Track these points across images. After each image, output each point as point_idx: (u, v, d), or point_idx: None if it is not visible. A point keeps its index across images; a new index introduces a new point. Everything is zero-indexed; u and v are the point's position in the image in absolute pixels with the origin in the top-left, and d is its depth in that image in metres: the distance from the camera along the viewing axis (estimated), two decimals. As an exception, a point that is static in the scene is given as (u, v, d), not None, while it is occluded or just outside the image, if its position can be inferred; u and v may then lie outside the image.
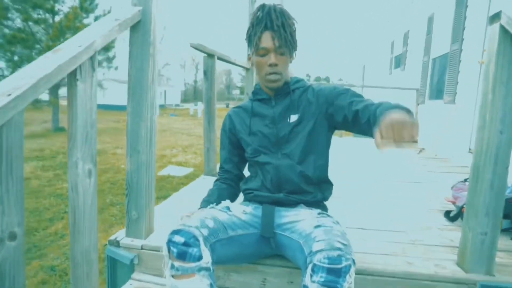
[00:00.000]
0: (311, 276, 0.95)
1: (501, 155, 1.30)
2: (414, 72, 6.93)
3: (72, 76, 1.14)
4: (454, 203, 2.12)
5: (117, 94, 26.54)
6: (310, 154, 1.34)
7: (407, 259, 1.46)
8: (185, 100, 52.63)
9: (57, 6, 12.64)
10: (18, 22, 12.33)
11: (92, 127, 1.23)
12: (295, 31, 1.30)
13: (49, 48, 11.81)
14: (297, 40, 1.32)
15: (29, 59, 12.38)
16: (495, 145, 1.30)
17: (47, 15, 12.73)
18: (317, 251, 0.98)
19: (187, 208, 1.92)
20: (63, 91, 14.82)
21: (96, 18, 13.48)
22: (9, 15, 12.25)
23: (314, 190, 1.35)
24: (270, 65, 1.27)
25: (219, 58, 2.95)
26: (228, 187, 1.48)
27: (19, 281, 0.95)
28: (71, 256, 1.23)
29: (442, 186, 2.79)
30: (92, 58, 1.19)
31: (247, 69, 4.11)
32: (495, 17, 1.28)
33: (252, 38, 1.28)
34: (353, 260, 0.97)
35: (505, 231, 1.79)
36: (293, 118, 1.34)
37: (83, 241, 1.22)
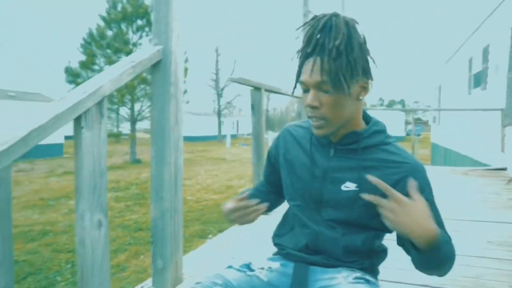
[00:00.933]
0: None
1: None
2: (498, 91, 6.17)
3: (77, 124, 1.09)
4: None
5: (191, 126, 28.05)
6: (361, 228, 1.02)
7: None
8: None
9: (135, 49, 13.88)
10: (102, 66, 13.77)
11: (102, 177, 1.16)
12: (360, 55, 0.88)
13: (126, 86, 12.98)
14: (369, 66, 0.92)
15: (110, 97, 13.73)
16: None
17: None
18: None
19: (226, 252, 1.76)
20: (143, 124, 16.00)
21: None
22: (96, 61, 13.76)
23: (361, 258, 1.08)
24: (309, 107, 0.92)
25: (267, 90, 2.85)
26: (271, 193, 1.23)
27: None
28: (78, 316, 1.14)
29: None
30: (99, 104, 1.14)
31: (298, 98, 3.96)
32: None
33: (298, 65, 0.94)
34: None
35: None
36: (349, 186, 0.98)
37: (90, 300, 1.13)
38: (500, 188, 3.90)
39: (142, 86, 13.18)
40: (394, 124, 27.95)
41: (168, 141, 1.43)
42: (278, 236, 1.19)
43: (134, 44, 13.99)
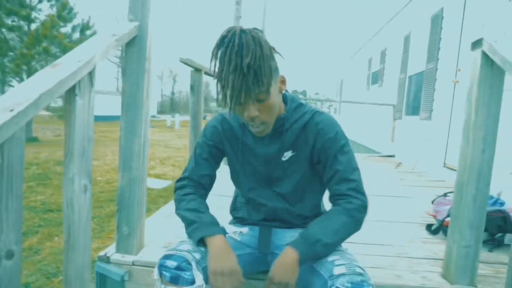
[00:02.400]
0: None
1: (484, 172, 1.38)
2: (391, 89, 7.16)
3: (71, 92, 1.14)
4: (435, 216, 2.19)
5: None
6: (306, 194, 1.26)
7: (395, 272, 1.51)
8: (161, 111, 52.10)
9: (33, 14, 12.36)
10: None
11: (89, 142, 1.22)
12: (270, 61, 1.01)
13: (23, 55, 11.50)
14: (275, 62, 1.06)
15: (1, 67, 12.01)
16: (477, 163, 1.38)
17: (22, 22, 12.41)
18: (339, 275, 1.00)
19: (176, 221, 1.90)
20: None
21: (74, 27, 13.26)
22: (-18, 21, 11.90)
23: (311, 220, 1.35)
24: (249, 118, 1.06)
25: (206, 73, 2.98)
26: (203, 200, 1.25)
27: (15, 301, 0.93)
28: (64, 274, 1.20)
29: (420, 200, 2.89)
30: (91, 73, 1.19)
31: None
32: (477, 44, 1.37)
33: (219, 82, 1.00)
34: (373, 285, 1.00)
35: (484, 243, 1.87)
36: (287, 155, 1.19)
37: (77, 259, 1.20)
38: (391, 171, 4.66)
39: (43, 56, 11.80)
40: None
41: (140, 113, 1.52)
42: (235, 210, 1.41)
43: (32, 8, 12.43)
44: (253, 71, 0.96)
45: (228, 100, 1.00)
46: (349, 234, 1.15)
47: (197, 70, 2.79)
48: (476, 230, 1.41)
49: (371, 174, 4.19)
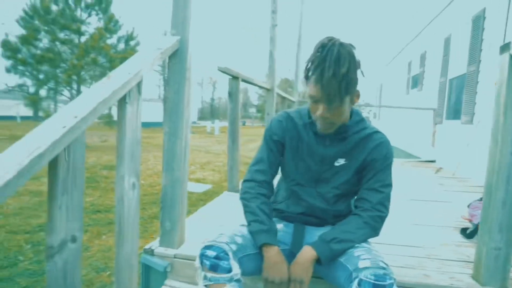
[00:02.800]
0: None
1: (513, 175, 1.39)
2: (431, 93, 6.98)
3: (122, 100, 1.29)
4: (470, 221, 2.18)
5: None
6: (344, 198, 1.39)
7: (424, 271, 1.54)
8: (201, 117, 53.37)
9: (83, 27, 13.21)
10: (46, 42, 12.92)
11: (137, 145, 1.38)
12: (350, 76, 1.13)
13: (74, 66, 12.33)
14: (357, 80, 1.18)
15: (54, 77, 12.90)
16: (506, 164, 1.39)
17: (73, 36, 13.31)
18: (363, 268, 1.09)
19: (214, 221, 2.03)
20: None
21: (119, 39, 14.01)
22: (39, 36, 12.89)
23: (344, 217, 1.43)
24: (320, 116, 1.20)
25: (243, 80, 3.12)
26: (271, 204, 1.39)
27: (77, 278, 1.08)
28: (116, 261, 1.36)
29: (459, 204, 2.84)
30: (139, 84, 1.35)
31: (267, 90, 4.28)
32: (505, 48, 1.39)
33: (306, 77, 1.19)
34: (395, 280, 1.07)
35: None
36: (340, 161, 1.33)
37: (126, 248, 1.35)
38: (430, 176, 4.56)
39: (91, 66, 12.58)
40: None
41: (181, 118, 1.66)
42: (275, 202, 1.51)
43: (82, 22, 13.30)
44: (345, 81, 1.12)
45: (316, 98, 1.16)
46: (365, 236, 1.24)
47: (235, 77, 2.93)
48: (506, 233, 1.42)
49: (410, 179, 4.14)
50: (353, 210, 1.43)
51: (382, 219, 1.29)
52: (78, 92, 13.39)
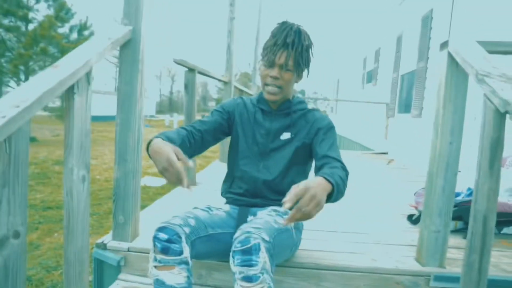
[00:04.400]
0: (233, 261, 1.11)
1: (451, 163, 1.50)
2: (385, 87, 7.29)
3: (70, 90, 1.25)
4: (416, 207, 2.32)
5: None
6: (289, 170, 1.45)
7: (372, 256, 1.63)
8: (160, 111, 52.14)
9: (30, 14, 12.44)
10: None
11: (86, 136, 1.34)
12: (307, 52, 1.36)
13: (21, 56, 11.59)
14: (309, 61, 1.39)
15: (-1, 67, 12.08)
16: (445, 154, 1.50)
17: (20, 23, 12.50)
18: (233, 240, 1.15)
19: (170, 213, 2.01)
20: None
21: (71, 28, 13.35)
22: (-20, 22, 11.99)
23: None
24: (271, 77, 1.35)
25: (199, 73, 3.09)
26: (187, 142, 1.35)
27: (21, 277, 1.04)
28: (65, 257, 1.32)
29: (407, 193, 3.01)
30: (88, 74, 1.31)
31: (225, 83, 4.27)
32: (444, 45, 1.49)
33: (265, 48, 1.35)
34: (263, 238, 1.11)
35: (459, 231, 1.99)
36: (285, 135, 1.46)
37: (76, 242, 1.31)
38: (382, 167, 4.78)
39: (40, 57, 11.89)
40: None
41: (134, 110, 1.63)
42: (224, 190, 1.56)
43: (29, 9, 12.50)
44: (303, 50, 1.33)
45: (274, 60, 1.32)
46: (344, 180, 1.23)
47: (191, 70, 2.90)
48: (445, 217, 1.53)
49: (363, 170, 4.31)
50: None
51: (347, 172, 1.28)
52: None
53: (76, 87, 1.26)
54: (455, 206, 1.82)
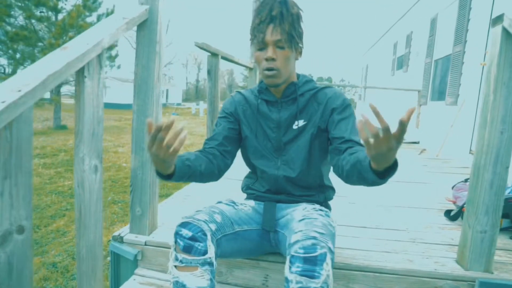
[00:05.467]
0: (290, 267, 0.97)
1: (502, 155, 1.32)
2: (417, 74, 6.94)
3: (80, 73, 1.16)
4: (454, 202, 2.13)
5: (119, 93, 26.65)
6: (311, 162, 1.29)
7: (408, 256, 1.48)
8: (186, 99, 52.66)
9: (60, 4, 12.63)
10: (21, 20, 12.36)
11: (99, 124, 1.25)
12: (299, 22, 1.17)
13: (51, 45, 11.81)
14: (302, 32, 1.20)
15: (31, 57, 12.40)
16: (495, 145, 1.32)
17: (50, 13, 12.73)
18: (294, 242, 1.00)
19: (191, 205, 1.93)
20: (65, 89, 14.91)
21: (99, 17, 13.48)
22: (12, 12, 12.29)
23: (316, 193, 1.36)
24: (267, 59, 1.16)
25: (222, 58, 2.97)
26: (209, 162, 1.24)
27: (26, 274, 0.97)
28: (77, 251, 1.25)
29: (443, 186, 2.80)
30: (100, 56, 1.21)
31: (250, 69, 4.14)
32: (498, 20, 1.30)
33: (251, 31, 1.19)
34: (329, 248, 0.98)
35: (504, 230, 1.80)
36: (297, 123, 1.27)
37: (88, 236, 1.24)
38: (414, 157, 4.54)
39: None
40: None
41: (151, 96, 1.53)
42: (245, 186, 1.45)
43: (59, -1, 12.70)
44: (291, 16, 1.14)
45: (264, 40, 1.15)
46: None
47: (214, 54, 2.79)
48: (492, 215, 1.36)
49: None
50: (327, 184, 1.38)
51: None
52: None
53: (87, 70, 1.17)
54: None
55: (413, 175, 3.35)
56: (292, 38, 1.16)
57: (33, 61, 12.44)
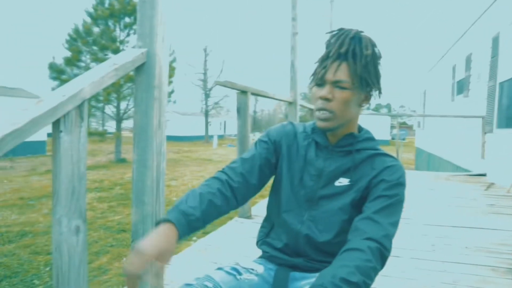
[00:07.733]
0: None
1: None
2: (479, 98, 6.31)
3: (56, 128, 1.06)
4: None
5: (179, 126, 27.99)
6: (341, 230, 1.07)
7: None
8: (242, 129, 53.60)
9: (121, 47, 13.69)
10: (88, 63, 13.52)
11: (80, 181, 1.14)
12: (374, 63, 1.02)
13: (113, 84, 12.75)
14: (380, 76, 1.04)
15: (97, 95, 13.44)
16: None
17: (112, 55, 13.85)
18: None
19: (205, 262, 1.74)
20: (129, 123, 15.80)
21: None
22: (82, 57, 13.54)
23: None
24: (321, 98, 1.01)
25: (254, 94, 2.85)
26: (221, 198, 1.05)
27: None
28: (53, 324, 1.11)
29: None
30: (80, 107, 1.12)
31: (289, 103, 3.99)
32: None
33: (316, 64, 1.06)
34: None
35: None
36: (342, 181, 1.08)
37: (66, 308, 1.10)
38: (479, 194, 3.99)
39: (128, 84, 12.96)
40: (379, 128, 28.31)
41: (151, 145, 1.41)
42: (260, 240, 1.21)
43: (122, 42, 13.79)
44: (361, 56, 0.98)
45: (321, 64, 1.01)
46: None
47: (243, 92, 2.66)
48: None
49: (452, 198, 3.63)
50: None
51: (385, 259, 0.91)
52: (118, 108, 13.85)
53: (63, 124, 1.07)
54: None
55: (474, 217, 2.88)
56: (358, 81, 1.00)
57: (97, 99, 13.46)
